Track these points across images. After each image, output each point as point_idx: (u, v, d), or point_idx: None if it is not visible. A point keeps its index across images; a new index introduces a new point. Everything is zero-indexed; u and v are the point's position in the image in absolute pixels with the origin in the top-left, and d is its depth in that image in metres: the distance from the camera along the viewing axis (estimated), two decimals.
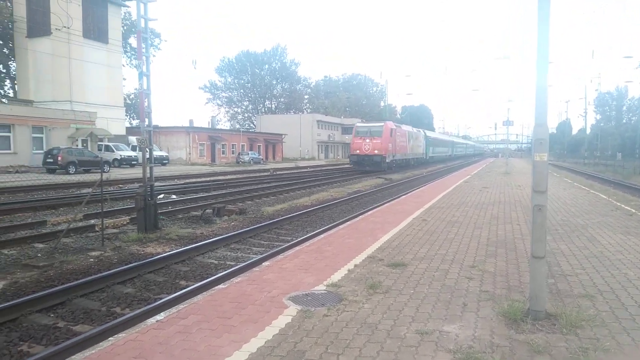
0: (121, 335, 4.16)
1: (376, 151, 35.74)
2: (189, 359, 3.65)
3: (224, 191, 20.21)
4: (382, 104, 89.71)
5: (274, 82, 70.63)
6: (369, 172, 34.17)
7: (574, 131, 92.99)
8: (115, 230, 11.27)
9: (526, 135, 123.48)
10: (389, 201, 15.27)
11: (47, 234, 10.49)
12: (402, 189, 22.31)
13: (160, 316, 4.60)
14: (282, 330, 4.21)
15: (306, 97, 66.65)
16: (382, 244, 7.82)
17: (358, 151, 36.62)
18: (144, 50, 11.00)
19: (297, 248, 7.70)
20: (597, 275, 5.82)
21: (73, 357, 3.75)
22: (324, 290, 5.36)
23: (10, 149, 31.72)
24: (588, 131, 70.93)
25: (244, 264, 7.78)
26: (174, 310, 4.77)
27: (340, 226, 9.98)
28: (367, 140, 36.22)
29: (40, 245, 9.68)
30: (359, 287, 5.43)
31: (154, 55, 35.89)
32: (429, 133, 58.15)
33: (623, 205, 12.66)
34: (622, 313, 4.49)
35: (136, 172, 26.84)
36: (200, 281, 7.00)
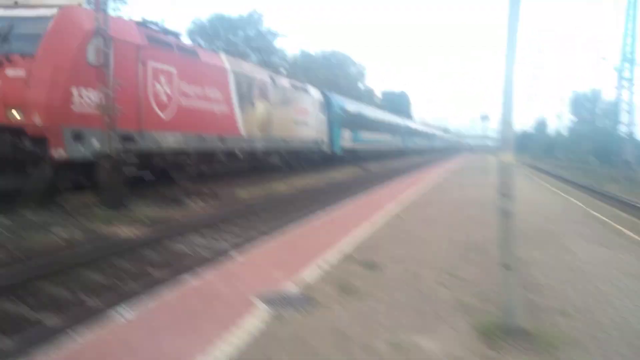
0: (84, 331, 3.93)
1: (15, 111, 9.28)
2: None
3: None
4: (361, 86, 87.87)
5: (248, 51, 67.54)
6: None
7: (551, 131, 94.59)
8: (79, 204, 10.76)
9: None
10: (365, 193, 15.18)
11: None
12: (380, 180, 22.27)
13: (128, 313, 4.37)
14: (251, 334, 4.05)
15: (282, 69, 64.66)
16: (357, 242, 7.68)
17: None
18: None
19: (270, 240, 7.53)
20: (571, 288, 5.81)
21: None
22: (295, 289, 5.21)
23: None
24: (565, 133, 72.24)
25: (215, 255, 7.57)
26: (141, 305, 4.55)
27: (314, 218, 9.83)
28: None
29: (1, 218, 9.20)
30: (330, 288, 5.29)
31: (119, 9, 32.26)
32: (345, 102, 30.43)
33: (596, 214, 12.84)
34: (600, 333, 4.46)
35: None
36: (171, 273, 6.77)
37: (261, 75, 18.76)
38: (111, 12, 11.26)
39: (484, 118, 41.57)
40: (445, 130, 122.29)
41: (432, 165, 37.15)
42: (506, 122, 4.20)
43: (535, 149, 79.68)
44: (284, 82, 21.20)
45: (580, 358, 3.94)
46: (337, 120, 26.87)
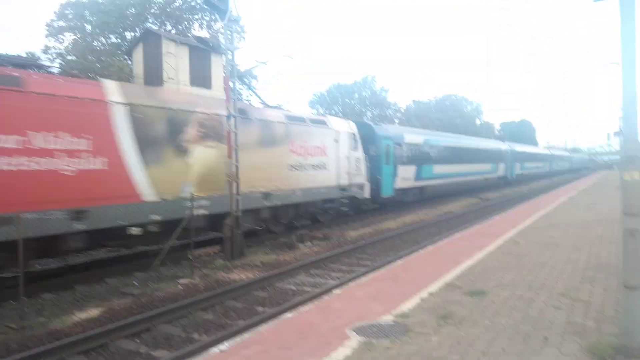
0: None
1: None
2: None
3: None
4: (477, 121, 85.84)
5: (364, 110, 71.32)
6: None
7: None
8: (206, 258, 11.82)
9: None
10: (480, 222, 14.41)
11: (146, 262, 11.26)
12: (498, 208, 21.00)
13: (224, 345, 4.66)
14: None
15: (396, 121, 66.27)
16: (464, 270, 7.33)
17: None
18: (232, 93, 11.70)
19: (372, 275, 7.49)
20: None
21: None
22: (391, 320, 5.11)
23: None
24: None
25: (314, 292, 7.72)
26: (238, 339, 4.81)
27: (422, 251, 9.58)
28: None
29: (139, 274, 10.39)
30: (429, 317, 5.10)
31: (251, 95, 37.50)
32: (404, 133, 23.96)
33: None
34: None
35: None
36: (276, 310, 7.04)
37: (209, 107, 12.19)
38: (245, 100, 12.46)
39: (618, 133, 37.64)
40: (575, 150, 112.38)
41: (559, 187, 34.03)
42: (629, 138, 3.97)
43: None
44: (272, 114, 14.59)
45: None
46: (387, 156, 20.43)
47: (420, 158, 23.69)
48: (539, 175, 52.97)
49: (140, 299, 8.20)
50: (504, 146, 40.52)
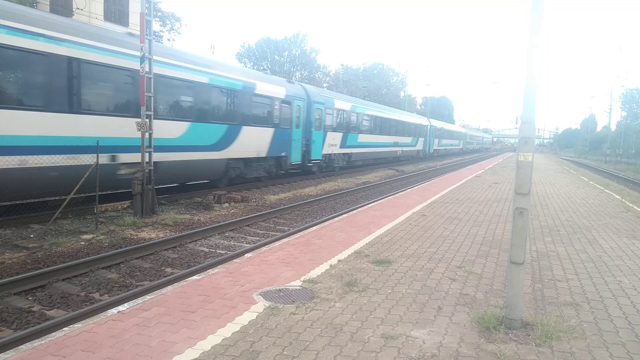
0: (77, 325, 4.05)
1: None
2: (137, 355, 3.52)
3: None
4: (402, 94, 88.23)
5: (293, 69, 70.15)
6: None
7: (599, 128, 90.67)
8: (114, 214, 11.27)
9: (548, 130, 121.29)
10: (394, 194, 14.99)
11: (46, 214, 10.51)
12: (411, 181, 21.96)
13: (124, 307, 4.48)
14: (244, 327, 4.06)
15: (325, 85, 66.05)
16: (373, 239, 7.60)
17: None
18: (146, 33, 10.87)
19: (285, 240, 7.54)
20: (589, 281, 5.53)
21: (21, 347, 3.66)
22: (299, 286, 5.19)
23: None
24: (613, 128, 68.96)
25: (225, 255, 7.66)
26: (139, 301, 4.65)
27: (336, 218, 9.78)
28: None
29: (36, 226, 9.70)
30: (336, 284, 5.25)
31: (173, 40, 35.50)
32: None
33: (636, 207, 12.17)
34: (605, 325, 4.23)
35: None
36: (184, 271, 6.90)
37: None
38: (165, 42, 11.42)
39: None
40: (485, 131, 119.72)
41: (468, 165, 36.23)
42: (527, 121, 4.15)
43: (582, 145, 76.54)
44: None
45: (577, 347, 3.74)
46: None
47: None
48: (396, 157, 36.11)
49: (36, 254, 7.68)
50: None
